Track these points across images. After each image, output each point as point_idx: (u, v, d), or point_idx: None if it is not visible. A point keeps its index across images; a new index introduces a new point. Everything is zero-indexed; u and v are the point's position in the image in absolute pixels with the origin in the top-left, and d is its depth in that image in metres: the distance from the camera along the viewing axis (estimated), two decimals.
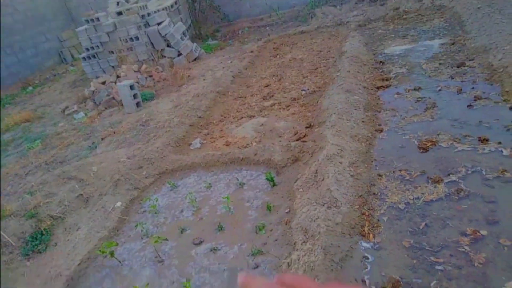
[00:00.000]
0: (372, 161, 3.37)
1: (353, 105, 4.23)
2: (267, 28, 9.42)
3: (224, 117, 5.05)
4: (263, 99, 5.32)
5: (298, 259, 2.47)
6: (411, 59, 5.69)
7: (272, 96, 5.35)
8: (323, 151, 3.36)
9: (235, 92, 5.89)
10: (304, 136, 4.02)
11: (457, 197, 2.68)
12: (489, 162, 2.93)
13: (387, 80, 5.15)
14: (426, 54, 5.74)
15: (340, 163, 3.18)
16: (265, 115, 4.82)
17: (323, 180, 3.00)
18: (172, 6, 8.40)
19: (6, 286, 3.15)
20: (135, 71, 6.70)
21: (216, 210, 3.33)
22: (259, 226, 2.96)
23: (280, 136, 4.22)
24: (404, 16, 7.67)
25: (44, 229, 3.55)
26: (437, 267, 2.21)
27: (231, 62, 7.03)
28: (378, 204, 2.83)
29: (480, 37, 5.24)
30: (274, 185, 3.42)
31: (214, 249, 2.88)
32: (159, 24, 7.38)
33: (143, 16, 7.33)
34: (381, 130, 3.88)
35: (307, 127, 4.21)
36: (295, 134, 4.12)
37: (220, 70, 6.63)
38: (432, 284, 2.11)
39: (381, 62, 5.90)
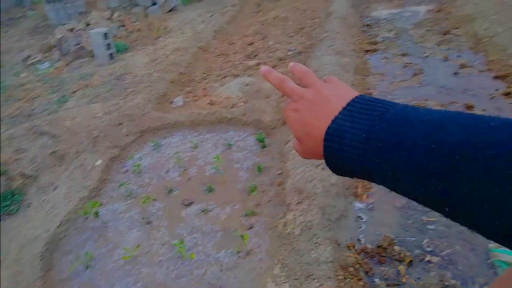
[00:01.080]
0: None
1: (343, 67, 4.23)
2: None
3: (207, 74, 4.88)
4: (247, 57, 5.18)
5: (294, 219, 2.53)
6: (398, 24, 5.72)
7: (257, 55, 5.22)
8: None
9: (217, 49, 5.67)
10: None
11: None
12: None
13: (374, 44, 5.16)
14: (413, 20, 5.78)
15: None
16: (251, 74, 4.71)
17: None
18: None
19: None
20: (107, 19, 6.22)
21: (205, 170, 3.30)
22: (251, 187, 2.98)
23: (267, 97, 4.16)
24: None
25: (16, 188, 3.36)
26: (428, 226, 2.36)
27: (211, 16, 6.70)
28: None
29: (467, 5, 5.32)
30: (264, 146, 3.41)
31: (205, 210, 2.88)
32: None
33: None
34: (370, 94, 3.93)
35: None
36: (283, 96, 4.08)
37: (200, 24, 6.32)
38: (424, 242, 2.26)
39: (368, 25, 5.89)
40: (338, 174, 0.49)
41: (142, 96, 4.24)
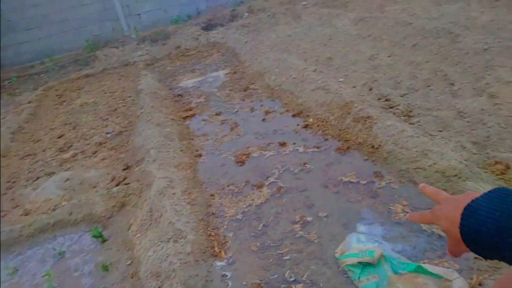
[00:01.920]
0: (201, 185, 3.54)
1: (167, 137, 4.33)
2: (42, 75, 8.38)
3: (13, 182, 4.13)
4: (60, 151, 4.68)
5: None
6: (204, 89, 6.36)
7: (71, 145, 4.79)
8: (152, 188, 3.27)
9: (19, 151, 4.91)
10: (125, 179, 3.80)
11: (279, 194, 3.17)
12: (292, 160, 3.62)
13: (190, 110, 5.55)
14: (216, 84, 6.55)
15: (174, 194, 3.18)
16: (68, 168, 4.25)
17: (161, 215, 2.92)
18: None
19: None
20: None
21: None
22: None
23: (94, 187, 3.82)
24: (187, 53, 8.48)
25: None
26: (284, 257, 2.54)
27: (4, 117, 5.84)
28: (220, 221, 2.99)
29: (255, 65, 6.43)
30: (104, 241, 3.05)
31: None
32: None
33: None
34: (200, 155, 4.14)
35: (124, 169, 3.99)
36: (113, 180, 3.83)
37: (4, 125, 5.41)
38: (286, 275, 2.40)
39: (179, 95, 6.31)
40: (475, 251, 0.58)
41: None
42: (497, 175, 2.65)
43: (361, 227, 2.61)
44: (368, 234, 2.50)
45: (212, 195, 3.35)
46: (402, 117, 3.59)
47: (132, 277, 2.64)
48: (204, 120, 5.12)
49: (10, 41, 8.87)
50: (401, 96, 3.96)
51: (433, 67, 4.32)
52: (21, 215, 3.44)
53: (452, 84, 3.87)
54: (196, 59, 8.02)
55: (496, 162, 2.71)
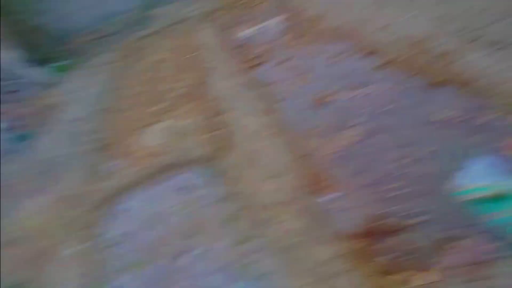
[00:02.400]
0: (290, 127, 3.85)
1: (243, 86, 4.67)
2: (110, 37, 8.86)
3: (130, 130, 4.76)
4: (151, 105, 5.19)
5: None
6: (265, 37, 6.45)
7: (163, 97, 5.29)
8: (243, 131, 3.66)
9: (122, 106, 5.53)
10: (218, 126, 4.23)
11: (373, 134, 3.34)
12: (379, 100, 3.75)
13: (255, 59, 5.74)
14: (276, 30, 6.60)
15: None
16: (161, 120, 4.75)
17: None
18: None
19: None
20: None
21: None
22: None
23: (192, 134, 4.28)
24: (240, 1, 8.47)
25: None
26: (394, 193, 2.71)
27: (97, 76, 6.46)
28: (319, 159, 3.29)
29: (313, 7, 6.38)
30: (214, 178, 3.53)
31: None
32: None
33: None
34: (281, 100, 4.40)
35: (214, 116, 4.41)
36: (207, 127, 4.26)
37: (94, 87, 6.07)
38: (397, 209, 2.59)
39: (240, 46, 6.48)
40: None
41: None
42: None
43: (481, 161, 2.55)
44: (492, 167, 2.44)
45: (302, 136, 3.64)
46: (487, 49, 3.57)
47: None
48: (274, 66, 5.30)
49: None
50: (488, 26, 3.86)
51: None
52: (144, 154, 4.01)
53: None
54: (250, 8, 8.02)
55: None
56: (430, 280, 2.09)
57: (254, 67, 5.53)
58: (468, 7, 4.36)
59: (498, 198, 2.14)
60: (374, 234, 2.48)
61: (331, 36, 5.47)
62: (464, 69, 3.39)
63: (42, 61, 7.98)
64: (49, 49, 8.48)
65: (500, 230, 2.05)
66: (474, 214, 2.21)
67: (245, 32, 7.09)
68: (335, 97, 4.05)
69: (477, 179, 2.35)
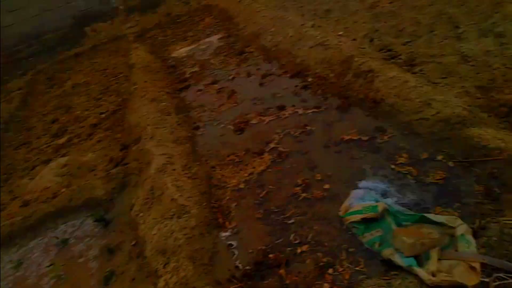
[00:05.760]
0: (201, 158, 3.52)
1: (163, 112, 4.28)
2: (31, 59, 8.29)
3: (10, 174, 4.17)
4: (55, 137, 4.69)
5: (167, 284, 2.34)
6: (198, 57, 6.20)
7: (66, 130, 4.79)
8: (151, 166, 3.27)
9: (13, 142, 4.94)
10: (123, 160, 3.80)
11: (281, 159, 3.14)
12: (293, 123, 3.55)
13: (185, 81, 5.45)
14: (210, 50, 6.37)
15: (174, 170, 3.18)
16: (65, 153, 4.27)
17: (162, 193, 2.93)
18: None
19: None
20: None
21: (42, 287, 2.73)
22: (106, 276, 2.63)
23: (92, 170, 3.83)
24: (178, 20, 8.23)
25: None
26: (289, 222, 2.55)
27: None
28: (222, 193, 2.99)
29: (250, 26, 6.20)
30: (107, 224, 3.09)
31: None
32: None
33: None
34: (198, 127, 4.09)
35: (122, 149, 3.98)
36: (112, 161, 3.83)
37: None
38: (291, 237, 2.42)
39: (173, 66, 6.18)
40: None
41: None
42: (501, 117, 2.57)
43: (364, 183, 2.59)
44: (372, 189, 2.49)
45: (213, 167, 3.34)
46: (405, 67, 3.45)
47: (138, 257, 2.68)
48: (199, 90, 5.03)
49: None
50: (403, 45, 3.79)
51: (437, 10, 4.09)
52: (21, 206, 3.49)
53: (457, 26, 3.67)
54: (188, 26, 7.79)
55: (500, 105, 2.62)
56: None
57: (182, 89, 5.22)
58: (397, 23, 4.29)
59: (369, 220, 2.21)
60: (260, 271, 2.29)
61: (263, 56, 5.29)
62: (379, 88, 3.25)
63: None
64: None
65: (372, 250, 2.16)
66: (355, 236, 2.29)
67: (180, 51, 6.81)
68: (254, 121, 3.80)
69: (356, 201, 2.39)
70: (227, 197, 2.95)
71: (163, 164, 3.35)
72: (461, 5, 4.03)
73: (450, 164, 2.50)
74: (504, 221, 1.97)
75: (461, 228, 1.95)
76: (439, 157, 2.58)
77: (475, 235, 1.98)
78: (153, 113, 4.33)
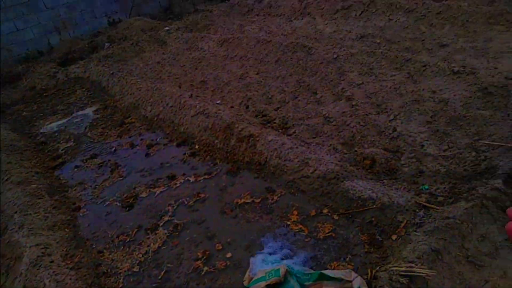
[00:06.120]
0: (86, 243, 3.18)
1: (34, 194, 3.79)
2: None
3: None
4: None
5: None
6: (72, 131, 5.80)
7: None
8: (22, 261, 2.80)
9: None
10: None
11: (177, 232, 3.06)
12: (185, 192, 3.55)
13: (58, 157, 4.98)
14: (85, 123, 6.04)
15: (52, 262, 2.79)
16: None
17: None
18: None
19: None
20: None
21: None
22: None
23: None
24: (45, 94, 7.64)
25: None
26: None
27: None
28: (114, 280, 2.73)
29: (126, 97, 6.15)
30: None
31: None
32: None
33: None
34: (79, 208, 3.73)
35: None
36: None
37: None
38: None
39: (43, 142, 5.62)
40: None
41: None
42: (367, 169, 3.06)
43: (264, 246, 2.68)
44: (271, 252, 2.59)
45: (100, 251, 3.04)
46: (280, 130, 3.88)
47: None
48: (77, 166, 4.65)
49: None
50: (275, 110, 4.28)
51: (297, 79, 4.80)
52: None
53: (315, 92, 4.35)
54: (57, 99, 7.28)
55: (364, 158, 3.14)
56: None
57: (56, 167, 4.74)
58: (266, 91, 4.82)
59: (274, 286, 2.23)
60: None
61: (145, 126, 5.25)
62: (261, 151, 3.55)
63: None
64: None
65: None
66: None
67: (51, 125, 6.26)
68: (145, 194, 3.68)
69: (258, 267, 2.42)
70: (120, 286, 2.69)
71: (38, 256, 2.92)
72: (314, 74, 4.82)
73: (335, 217, 2.80)
74: (391, 268, 2.15)
75: (357, 281, 2.11)
76: (325, 211, 2.87)
77: (370, 286, 2.15)
78: (20, 198, 3.81)
